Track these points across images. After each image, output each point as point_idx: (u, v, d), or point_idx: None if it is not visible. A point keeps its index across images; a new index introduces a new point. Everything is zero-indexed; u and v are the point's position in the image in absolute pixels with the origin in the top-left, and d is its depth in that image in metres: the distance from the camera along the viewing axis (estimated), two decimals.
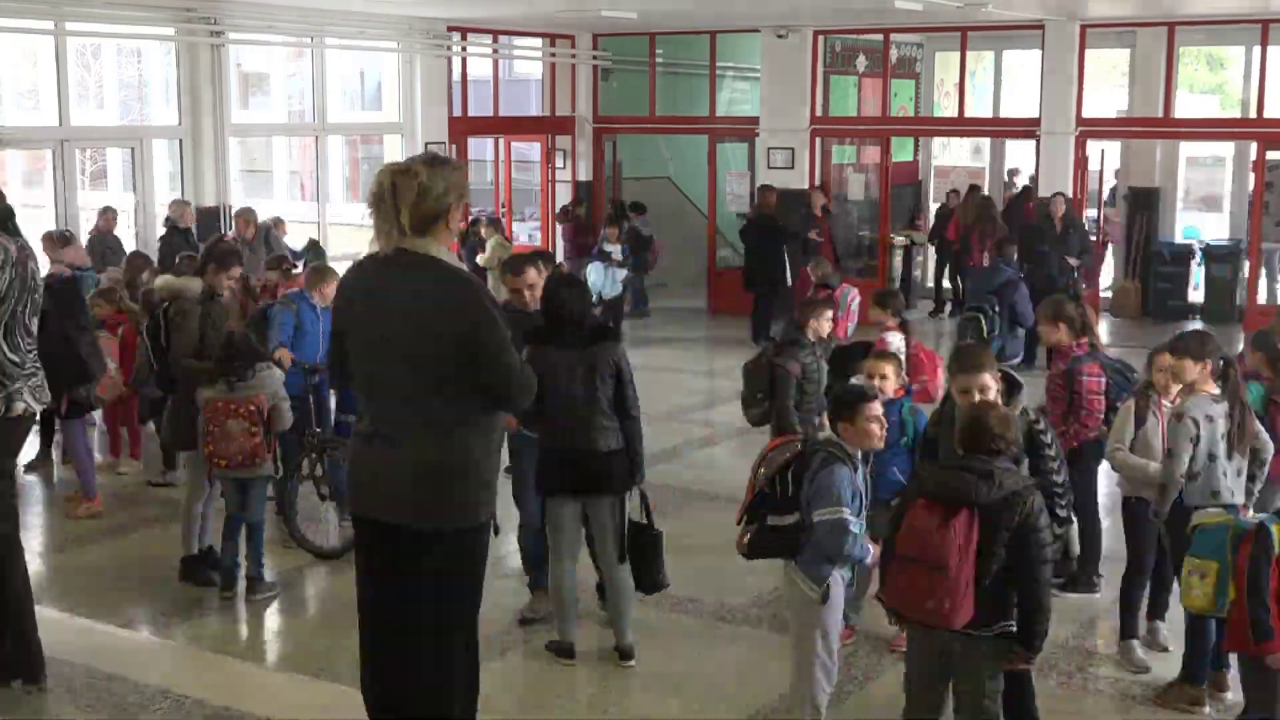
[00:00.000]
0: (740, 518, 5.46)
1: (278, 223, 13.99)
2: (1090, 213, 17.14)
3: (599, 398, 6.08)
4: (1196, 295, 17.04)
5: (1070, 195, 15.22)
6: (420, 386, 4.17)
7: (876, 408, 5.27)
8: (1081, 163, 16.01)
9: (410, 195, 4.08)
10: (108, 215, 13.21)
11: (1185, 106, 18.89)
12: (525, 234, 19.29)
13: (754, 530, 5.38)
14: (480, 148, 18.95)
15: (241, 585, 7.30)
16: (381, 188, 4.11)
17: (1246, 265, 16.05)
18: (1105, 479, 7.39)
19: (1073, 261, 14.09)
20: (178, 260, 10.61)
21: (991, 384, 5.36)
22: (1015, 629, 4.74)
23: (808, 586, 5.22)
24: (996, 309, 12.15)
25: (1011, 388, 5.47)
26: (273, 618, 7.21)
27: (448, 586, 4.30)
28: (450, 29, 16.65)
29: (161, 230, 13.44)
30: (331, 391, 8.62)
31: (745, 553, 5.44)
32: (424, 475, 4.20)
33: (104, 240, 12.97)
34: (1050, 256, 14.11)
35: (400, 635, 4.33)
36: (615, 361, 6.15)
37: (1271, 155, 15.68)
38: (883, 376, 6.43)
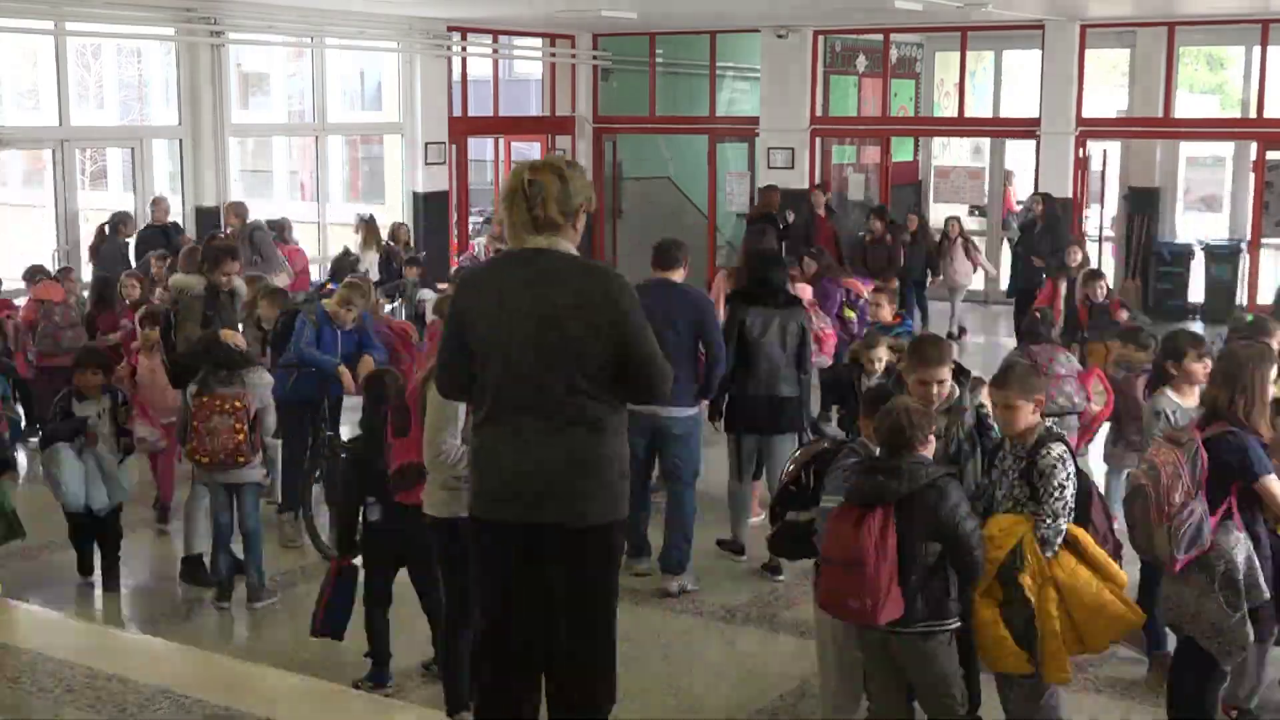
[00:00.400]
0: (771, 517, 5.52)
1: (283, 225, 13.92)
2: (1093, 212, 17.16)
3: (787, 352, 7.47)
4: (1197, 295, 17.05)
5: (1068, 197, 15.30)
6: (562, 383, 4.00)
7: None
8: (1082, 163, 16.01)
9: (554, 189, 4.03)
10: (161, 203, 13.19)
11: (1185, 106, 18.89)
12: None
13: (778, 528, 5.44)
14: (480, 148, 18.95)
15: (239, 593, 7.28)
16: (519, 181, 4.05)
17: (1247, 265, 16.07)
18: None
19: (1037, 263, 14.05)
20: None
21: (948, 377, 5.39)
22: (951, 626, 4.81)
23: None
24: None
25: (960, 378, 5.50)
26: (273, 618, 7.21)
27: (607, 577, 4.22)
28: (450, 29, 16.65)
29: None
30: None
31: (770, 549, 5.50)
32: (577, 470, 4.04)
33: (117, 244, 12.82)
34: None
35: (579, 632, 4.16)
36: (801, 324, 7.55)
37: (1271, 155, 15.69)
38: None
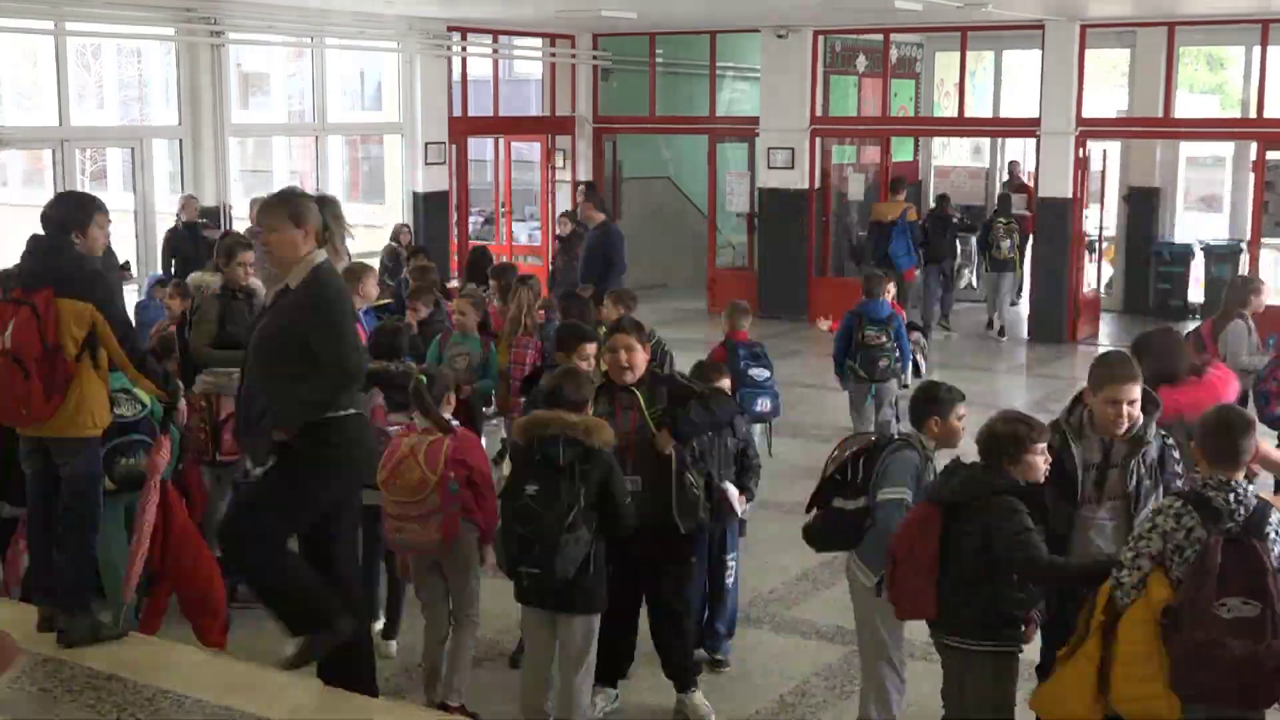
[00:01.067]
0: (809, 506, 5.51)
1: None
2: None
3: None
4: (1197, 295, 17.06)
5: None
6: None
7: (963, 408, 5.37)
8: (1082, 163, 16.01)
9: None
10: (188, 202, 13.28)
11: (1185, 106, 18.89)
12: (525, 234, 19.33)
13: (819, 514, 5.40)
14: (480, 148, 18.94)
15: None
16: None
17: (1246, 265, 16.06)
18: None
19: None
20: None
21: (1139, 397, 4.94)
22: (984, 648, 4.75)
23: (863, 574, 5.26)
24: None
25: (1147, 405, 5.11)
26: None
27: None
28: (450, 29, 16.65)
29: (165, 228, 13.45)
30: None
31: (808, 538, 5.50)
32: None
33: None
34: None
35: None
36: None
37: (1271, 155, 15.68)
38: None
